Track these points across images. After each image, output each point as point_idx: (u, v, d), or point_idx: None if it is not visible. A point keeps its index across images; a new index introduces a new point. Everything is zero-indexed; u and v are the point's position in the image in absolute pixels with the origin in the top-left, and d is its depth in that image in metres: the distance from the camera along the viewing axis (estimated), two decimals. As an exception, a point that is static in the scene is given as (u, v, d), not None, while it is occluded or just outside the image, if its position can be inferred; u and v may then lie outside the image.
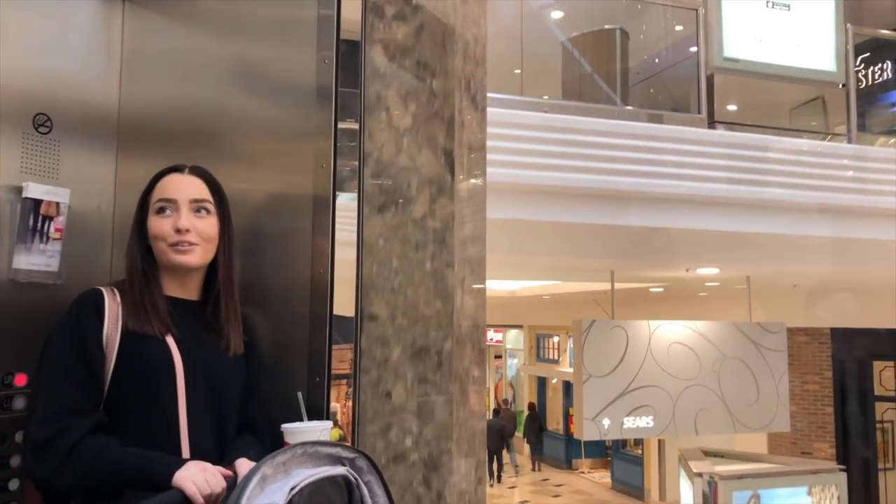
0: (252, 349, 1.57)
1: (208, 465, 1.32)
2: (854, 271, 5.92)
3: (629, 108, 4.71)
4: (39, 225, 1.59)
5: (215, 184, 1.55)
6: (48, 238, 1.60)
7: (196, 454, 1.39)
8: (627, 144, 3.78)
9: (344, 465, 1.31)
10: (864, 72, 9.79)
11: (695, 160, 3.87)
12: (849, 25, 3.81)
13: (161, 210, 1.47)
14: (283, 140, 1.74)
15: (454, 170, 1.83)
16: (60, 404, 1.33)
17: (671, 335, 6.81)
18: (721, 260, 5.93)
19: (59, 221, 1.63)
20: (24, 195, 1.58)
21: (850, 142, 3.88)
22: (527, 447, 15.98)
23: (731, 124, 4.11)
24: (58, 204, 1.63)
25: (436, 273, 1.78)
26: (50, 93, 1.68)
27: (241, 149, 1.77)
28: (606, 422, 5.87)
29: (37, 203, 1.59)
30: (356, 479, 1.31)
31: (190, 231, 1.46)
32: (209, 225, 1.50)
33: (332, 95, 1.70)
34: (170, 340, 1.43)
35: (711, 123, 4.02)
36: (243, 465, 1.38)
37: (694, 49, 4.36)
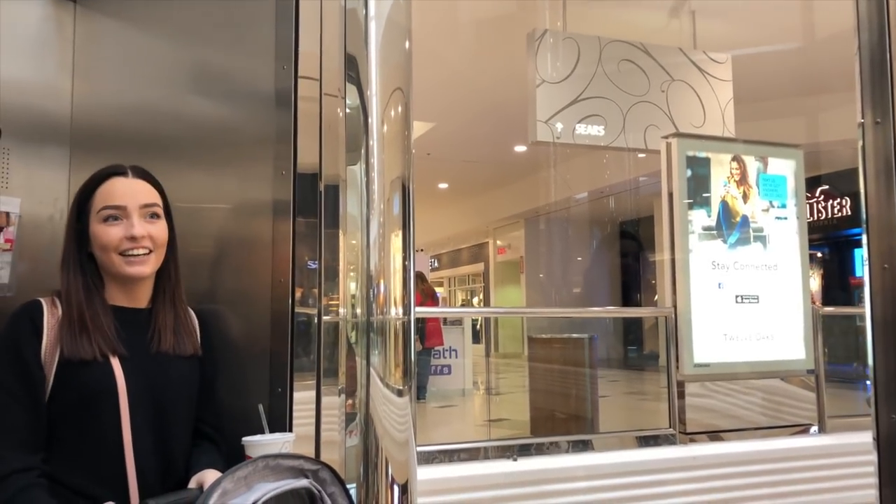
0: (209, 351, 1.52)
1: None
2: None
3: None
4: (-12, 236, 1.55)
5: (159, 185, 1.48)
6: (-2, 249, 1.56)
7: (140, 470, 1.35)
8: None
9: (307, 476, 1.30)
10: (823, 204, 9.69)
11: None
12: (814, 306, 3.42)
13: (109, 218, 1.39)
14: (242, 146, 1.71)
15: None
16: None
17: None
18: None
19: (10, 232, 1.58)
20: (-29, 206, 1.53)
21: (820, 431, 3.31)
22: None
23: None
24: (8, 214, 1.58)
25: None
26: (-2, 99, 1.63)
27: (199, 154, 1.74)
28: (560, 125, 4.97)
29: (-15, 214, 1.55)
30: (319, 490, 1.29)
31: (145, 237, 1.40)
32: (161, 230, 1.44)
33: (292, 101, 1.66)
34: (114, 362, 1.35)
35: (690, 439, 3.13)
36: (210, 477, 1.35)
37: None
